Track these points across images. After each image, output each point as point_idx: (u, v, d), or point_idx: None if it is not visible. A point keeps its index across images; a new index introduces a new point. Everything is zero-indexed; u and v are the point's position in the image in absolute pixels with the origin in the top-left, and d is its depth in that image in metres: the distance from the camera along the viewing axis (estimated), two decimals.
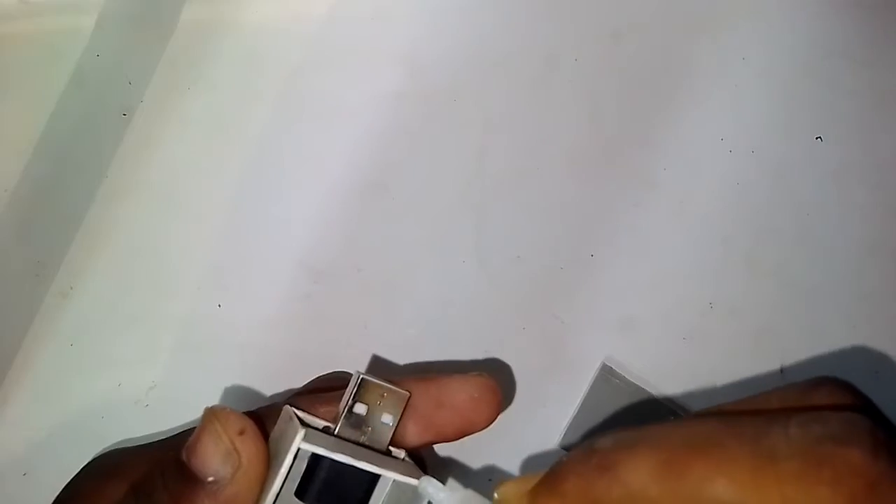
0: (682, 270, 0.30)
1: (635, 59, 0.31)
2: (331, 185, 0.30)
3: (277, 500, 0.19)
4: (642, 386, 0.28)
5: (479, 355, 0.29)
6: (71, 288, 0.29)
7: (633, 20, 0.31)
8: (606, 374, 0.28)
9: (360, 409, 0.21)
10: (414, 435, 0.22)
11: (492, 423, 0.23)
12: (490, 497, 0.18)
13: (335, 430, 0.21)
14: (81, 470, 0.24)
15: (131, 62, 0.31)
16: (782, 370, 0.28)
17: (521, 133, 0.30)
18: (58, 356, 0.29)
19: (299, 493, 0.20)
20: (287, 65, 0.30)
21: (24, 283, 0.29)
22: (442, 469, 0.28)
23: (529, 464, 0.28)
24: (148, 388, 0.29)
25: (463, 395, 0.23)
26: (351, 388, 0.21)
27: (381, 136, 0.30)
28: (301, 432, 0.19)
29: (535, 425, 0.29)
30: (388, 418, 0.21)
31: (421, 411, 0.22)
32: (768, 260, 0.29)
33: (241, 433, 0.19)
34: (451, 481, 0.25)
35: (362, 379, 0.21)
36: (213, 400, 0.29)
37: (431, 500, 0.19)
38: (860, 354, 0.29)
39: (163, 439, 0.25)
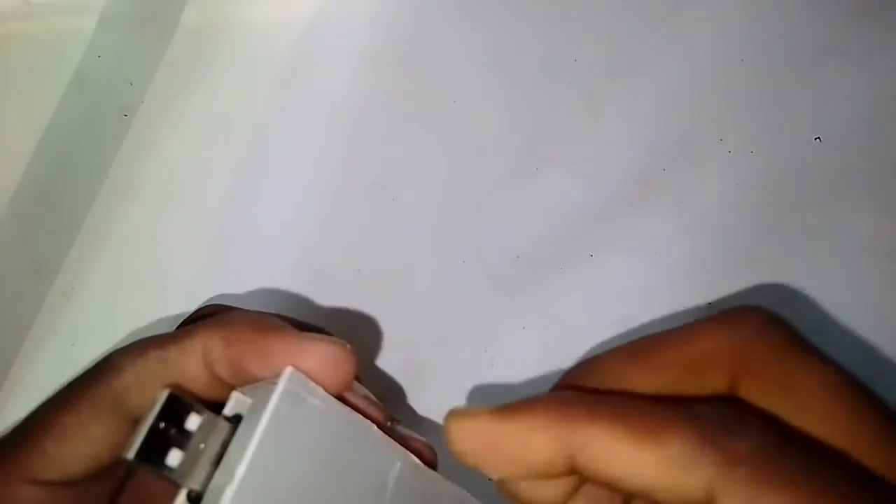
0: (682, 270, 0.30)
1: (634, 60, 0.31)
2: (331, 185, 0.30)
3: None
4: None
5: (479, 355, 0.29)
6: (72, 288, 0.29)
7: (633, 20, 0.31)
8: None
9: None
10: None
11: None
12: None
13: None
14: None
15: (132, 63, 0.31)
16: None
17: (521, 133, 0.30)
18: (58, 356, 0.29)
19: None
20: (287, 65, 0.30)
21: (25, 282, 0.29)
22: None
23: None
24: None
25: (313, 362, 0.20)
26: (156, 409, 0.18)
27: (381, 136, 0.30)
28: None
29: None
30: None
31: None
32: (768, 260, 0.29)
33: None
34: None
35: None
36: None
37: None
38: (860, 354, 0.28)
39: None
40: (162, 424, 0.17)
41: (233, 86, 0.30)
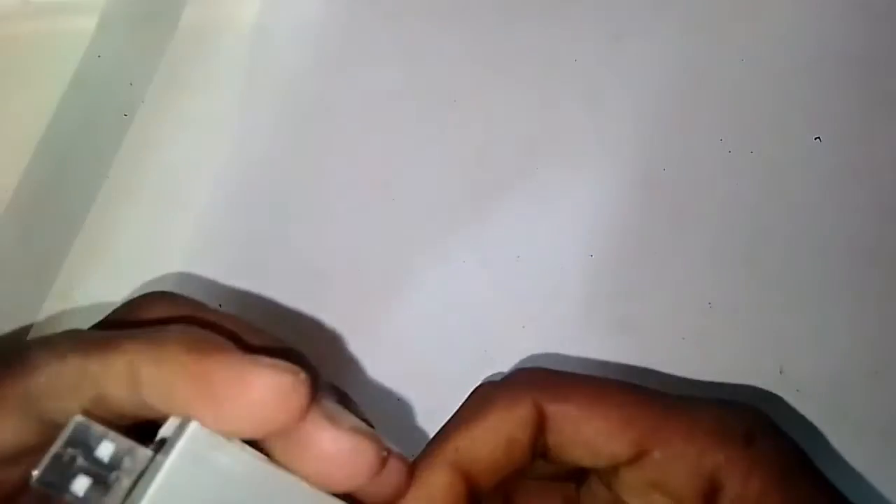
0: (682, 270, 0.30)
1: (635, 60, 0.31)
2: (331, 185, 0.30)
3: None
4: None
5: (480, 355, 0.29)
6: (72, 288, 0.29)
7: (633, 21, 0.31)
8: None
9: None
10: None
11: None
12: None
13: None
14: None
15: (132, 63, 0.31)
16: (782, 370, 0.28)
17: (521, 133, 0.30)
18: None
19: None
20: (287, 65, 0.30)
21: (25, 282, 0.29)
22: None
23: None
24: None
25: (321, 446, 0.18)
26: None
27: (382, 135, 0.30)
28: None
29: None
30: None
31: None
32: (768, 260, 0.29)
33: None
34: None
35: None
36: None
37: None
38: (860, 354, 0.29)
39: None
40: (69, 451, 0.16)
41: (233, 86, 0.30)
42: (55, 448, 0.16)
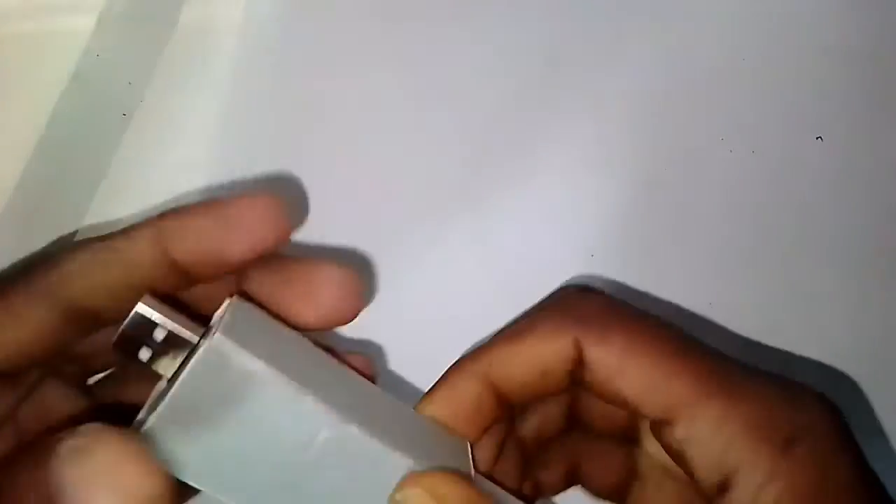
0: (682, 270, 0.30)
1: (634, 60, 0.31)
2: (331, 185, 0.30)
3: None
4: None
5: None
6: None
7: (633, 21, 0.31)
8: None
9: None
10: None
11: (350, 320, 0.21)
12: None
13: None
14: None
15: (131, 62, 0.31)
16: (781, 370, 0.28)
17: (521, 133, 0.30)
18: None
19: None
20: (287, 65, 0.30)
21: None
22: None
23: None
24: None
25: (327, 287, 0.21)
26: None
27: (382, 135, 0.30)
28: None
29: None
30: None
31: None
32: (768, 260, 0.29)
33: None
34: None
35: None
36: None
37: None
38: (860, 354, 0.29)
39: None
40: (131, 331, 0.19)
41: (233, 86, 0.30)
42: (123, 326, 0.18)
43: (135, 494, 0.15)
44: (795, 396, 0.19)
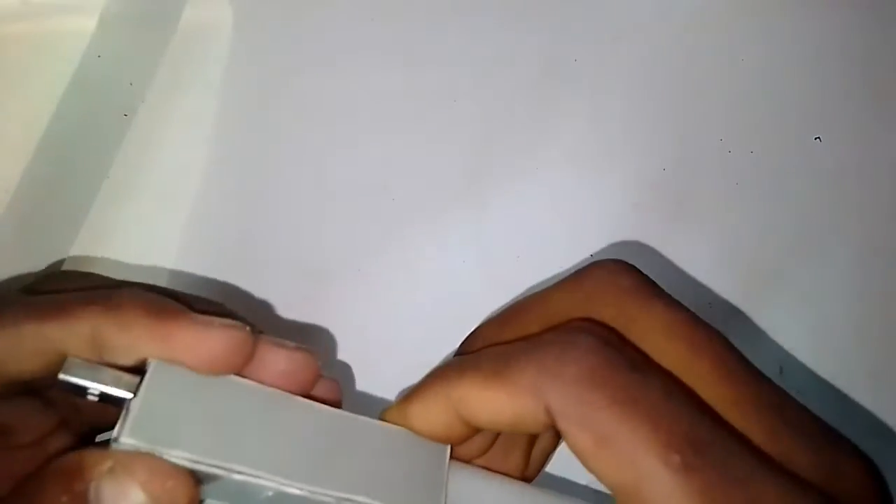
0: (682, 270, 0.30)
1: (634, 60, 0.31)
2: (331, 185, 0.30)
3: None
4: None
5: None
6: None
7: (633, 21, 0.31)
8: None
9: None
10: None
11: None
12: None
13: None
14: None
15: (132, 63, 0.31)
16: (781, 370, 0.28)
17: (521, 133, 0.30)
18: None
19: None
20: (287, 65, 0.30)
21: (25, 283, 0.29)
22: None
23: None
24: None
25: (278, 366, 0.20)
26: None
27: (381, 135, 0.30)
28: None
29: None
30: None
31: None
32: (768, 260, 0.29)
33: None
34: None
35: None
36: None
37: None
38: (860, 354, 0.29)
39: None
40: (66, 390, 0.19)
41: (233, 86, 0.30)
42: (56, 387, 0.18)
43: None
44: None
